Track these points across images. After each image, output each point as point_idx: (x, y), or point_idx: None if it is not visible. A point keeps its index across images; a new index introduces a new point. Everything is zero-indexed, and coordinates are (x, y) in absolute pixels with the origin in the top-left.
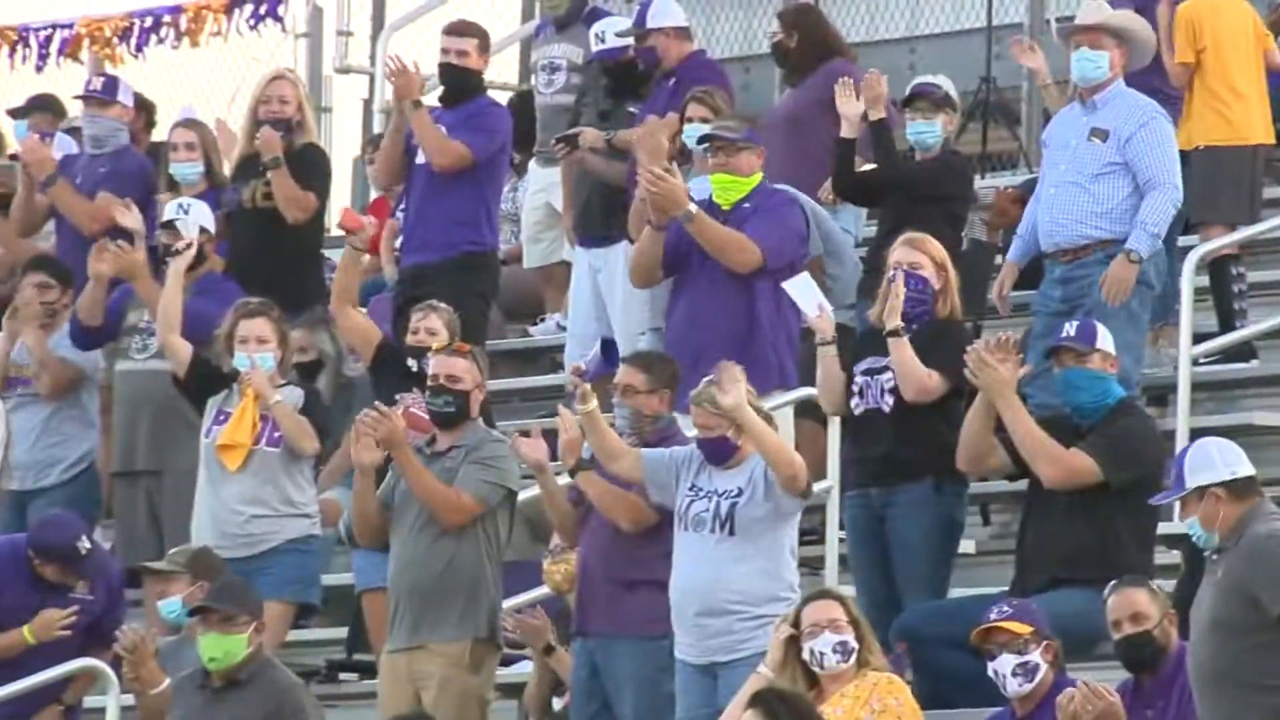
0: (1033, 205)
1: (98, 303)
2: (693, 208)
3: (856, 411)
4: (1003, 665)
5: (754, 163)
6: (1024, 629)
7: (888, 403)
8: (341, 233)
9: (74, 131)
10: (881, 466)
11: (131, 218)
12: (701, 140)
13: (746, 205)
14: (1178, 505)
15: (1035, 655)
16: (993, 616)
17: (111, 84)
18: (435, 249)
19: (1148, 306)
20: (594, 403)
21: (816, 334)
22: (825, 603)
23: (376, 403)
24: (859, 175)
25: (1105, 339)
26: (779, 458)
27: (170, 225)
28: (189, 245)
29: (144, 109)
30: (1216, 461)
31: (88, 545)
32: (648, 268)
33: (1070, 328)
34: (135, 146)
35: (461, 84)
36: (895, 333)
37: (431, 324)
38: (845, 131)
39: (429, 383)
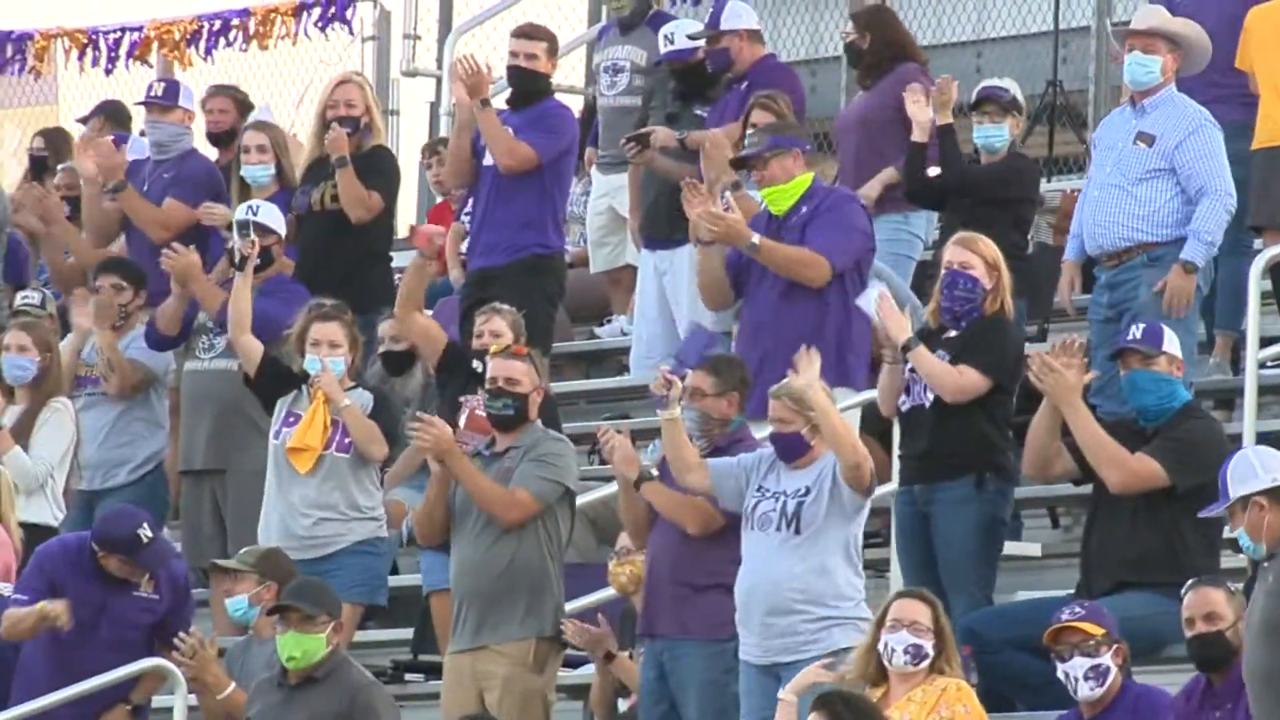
0: (1081, 203)
1: (178, 315)
2: (755, 239)
3: (904, 408)
4: (1075, 668)
5: (789, 165)
6: (1097, 630)
7: (929, 399)
8: (409, 236)
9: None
10: (923, 463)
11: (219, 215)
12: (734, 165)
13: (804, 209)
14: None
15: (1106, 658)
16: (1065, 617)
17: (173, 89)
18: (502, 252)
19: (1197, 310)
20: (679, 409)
21: (885, 350)
22: (913, 603)
23: (419, 413)
24: (927, 180)
25: (1171, 342)
26: (845, 444)
27: (242, 227)
28: (254, 246)
29: (242, 108)
30: (1258, 470)
31: (149, 534)
32: (715, 287)
33: (1136, 330)
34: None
35: (530, 87)
36: (908, 346)
37: (496, 326)
38: (916, 135)
39: (487, 385)
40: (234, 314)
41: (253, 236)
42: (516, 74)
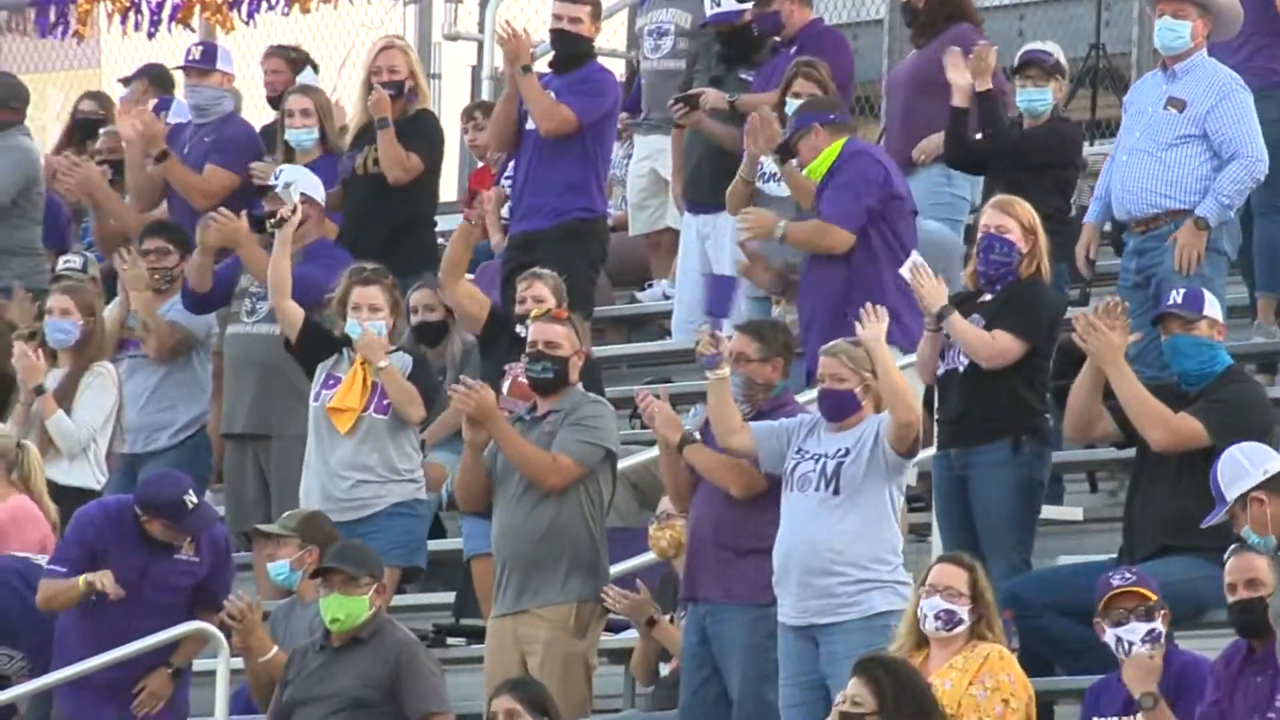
0: (1108, 167)
1: (205, 269)
2: (779, 228)
3: (939, 373)
4: (1132, 632)
5: (814, 142)
6: (1152, 595)
7: (963, 363)
8: (455, 200)
9: None
10: (959, 427)
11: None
12: (778, 152)
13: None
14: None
15: (1159, 623)
16: (1117, 582)
17: (210, 52)
18: (545, 216)
19: (1222, 273)
20: (728, 369)
21: (926, 318)
22: (950, 568)
23: (463, 376)
24: (970, 144)
25: (1212, 306)
26: (902, 400)
27: (268, 191)
28: (294, 211)
29: (295, 67)
30: (1246, 467)
31: (194, 500)
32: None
33: (1177, 294)
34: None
35: (572, 50)
36: (942, 314)
37: (538, 291)
38: (957, 100)
39: (527, 349)
40: (273, 279)
41: (295, 200)
42: (559, 37)
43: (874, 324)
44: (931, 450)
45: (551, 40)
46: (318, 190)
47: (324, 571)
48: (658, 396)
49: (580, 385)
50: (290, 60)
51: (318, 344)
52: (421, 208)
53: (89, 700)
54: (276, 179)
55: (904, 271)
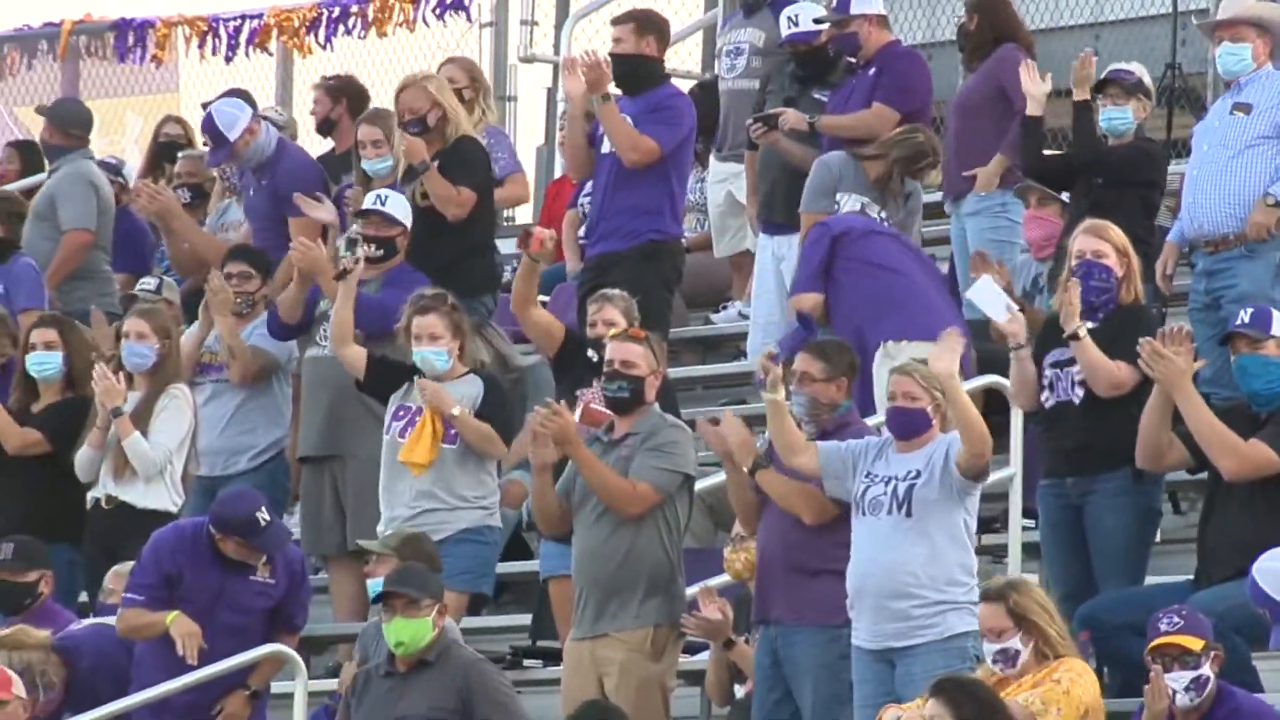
0: (1189, 186)
1: (299, 302)
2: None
3: (1047, 405)
4: (1176, 681)
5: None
6: (1197, 644)
7: (1078, 395)
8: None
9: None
10: (1076, 456)
11: (324, 210)
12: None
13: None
14: None
15: (1206, 668)
16: (1164, 628)
17: (217, 136)
18: (621, 238)
19: None
20: (783, 391)
21: (1009, 339)
22: (987, 607)
23: (548, 399)
24: (1052, 157)
25: None
26: (974, 432)
27: (366, 215)
28: (358, 262)
29: (350, 95)
30: None
31: (267, 517)
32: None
33: (1245, 314)
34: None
35: (630, 71)
36: (1075, 335)
37: (609, 315)
38: (1031, 110)
39: (604, 369)
40: (335, 327)
41: (358, 253)
42: (614, 61)
43: (944, 357)
44: (1007, 471)
45: (614, 64)
46: (406, 214)
47: (385, 595)
48: (715, 422)
49: (658, 406)
50: (329, 90)
51: (386, 378)
52: (478, 237)
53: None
54: (383, 202)
55: (982, 296)
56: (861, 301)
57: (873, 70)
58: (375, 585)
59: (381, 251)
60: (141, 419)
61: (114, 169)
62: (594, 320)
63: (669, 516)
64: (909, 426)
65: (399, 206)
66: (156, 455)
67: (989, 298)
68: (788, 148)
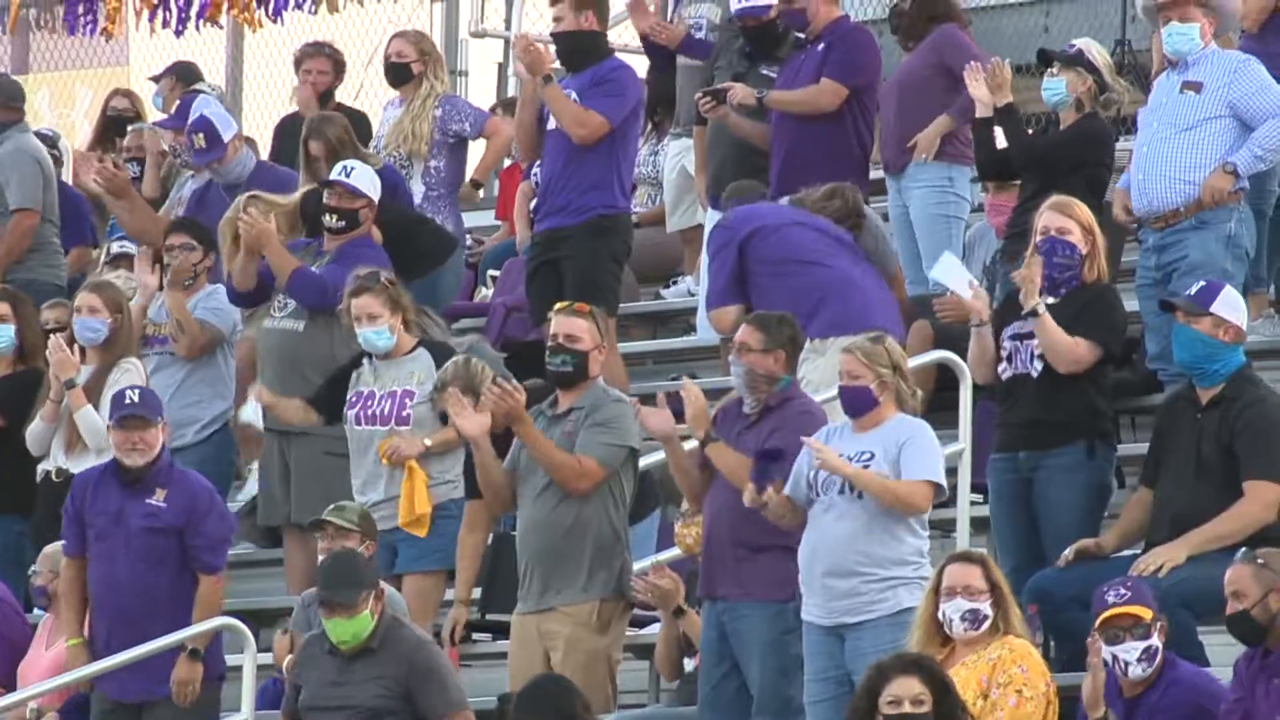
0: (1131, 161)
1: (249, 270)
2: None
3: (1004, 376)
4: (1128, 652)
5: None
6: (1147, 613)
7: (1036, 368)
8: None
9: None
10: (1029, 430)
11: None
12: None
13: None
14: None
15: (1155, 639)
16: (1112, 600)
17: (212, 136)
18: (570, 214)
19: (1242, 271)
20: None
21: (971, 315)
22: (964, 567)
23: (498, 378)
24: (999, 160)
25: (1226, 305)
26: (905, 506)
27: (331, 186)
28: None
29: (339, 67)
30: None
31: (135, 399)
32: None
33: (1194, 287)
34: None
35: (574, 47)
36: (1034, 312)
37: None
38: (980, 112)
39: (549, 342)
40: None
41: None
42: (557, 39)
43: (830, 455)
44: (955, 446)
45: (555, 41)
46: (373, 186)
47: (321, 600)
48: (668, 397)
49: (602, 380)
50: (335, 60)
51: (338, 393)
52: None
53: (120, 678)
54: (348, 174)
55: (947, 274)
56: (789, 302)
57: (821, 45)
58: None
59: (344, 223)
60: (93, 392)
61: (50, 141)
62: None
63: (614, 490)
64: (855, 404)
65: (364, 178)
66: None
67: (952, 273)
68: (736, 123)
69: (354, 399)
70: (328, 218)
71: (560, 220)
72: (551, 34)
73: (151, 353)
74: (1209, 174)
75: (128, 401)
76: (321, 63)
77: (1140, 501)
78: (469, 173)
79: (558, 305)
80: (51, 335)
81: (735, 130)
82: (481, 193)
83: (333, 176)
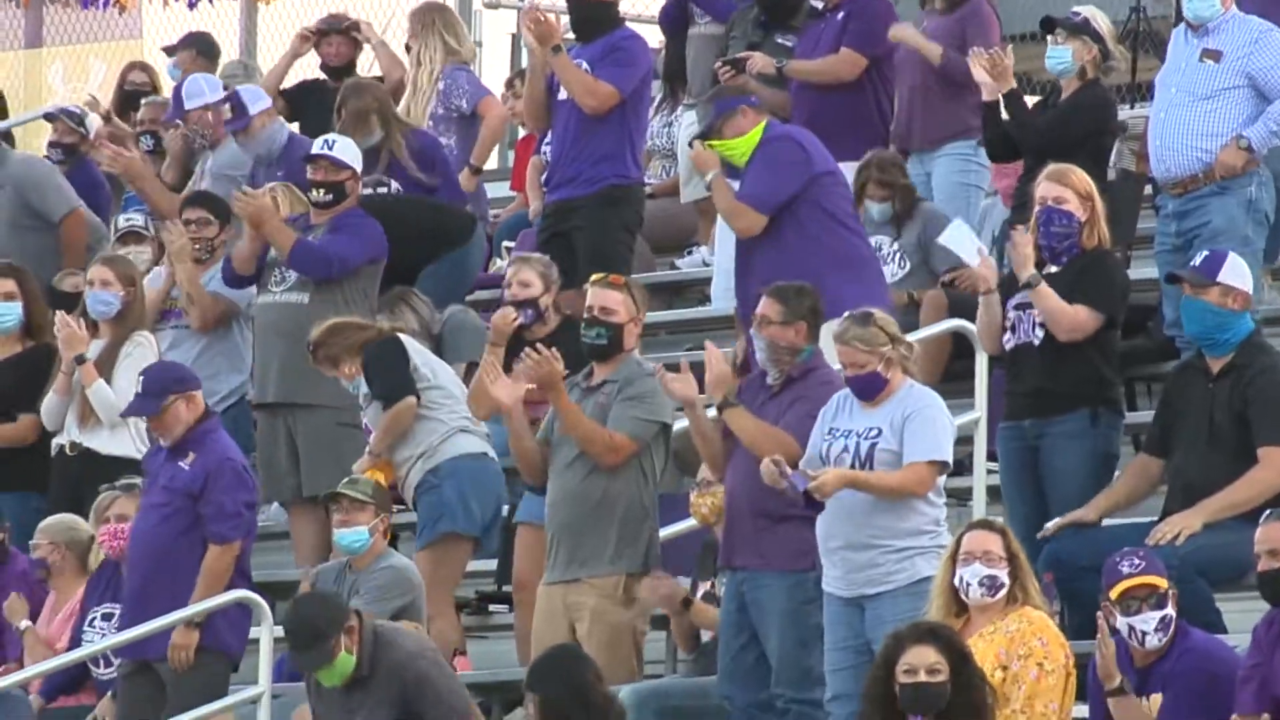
0: (1149, 129)
1: (253, 254)
2: (710, 176)
3: (1008, 346)
4: (1146, 622)
5: (741, 123)
6: (1163, 583)
7: (1038, 336)
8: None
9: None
10: (1034, 399)
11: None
12: (692, 143)
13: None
14: None
15: (1170, 607)
16: (1127, 570)
17: (238, 106)
18: (581, 184)
19: (1262, 235)
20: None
21: (979, 284)
22: (983, 534)
23: (539, 344)
24: (1005, 140)
25: (1232, 273)
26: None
27: (315, 160)
28: None
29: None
30: None
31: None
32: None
33: (1198, 258)
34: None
35: (589, 16)
36: (1029, 284)
37: (525, 276)
38: (986, 96)
39: (585, 315)
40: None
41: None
42: (573, 6)
43: (827, 481)
44: (972, 415)
45: (569, 9)
46: (356, 159)
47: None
48: (675, 369)
49: (637, 353)
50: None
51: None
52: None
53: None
54: (330, 147)
55: (955, 240)
56: (830, 264)
57: (841, 15)
58: (356, 535)
59: (330, 196)
60: (105, 366)
61: (76, 118)
62: (509, 281)
63: (645, 465)
64: (866, 390)
65: (347, 150)
66: (120, 402)
67: (962, 241)
68: (758, 92)
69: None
70: (314, 192)
71: (571, 191)
72: (567, 2)
73: (168, 327)
74: (1222, 146)
75: (136, 392)
76: (336, 39)
77: (1137, 468)
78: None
79: (594, 277)
80: (58, 312)
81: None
82: (477, 180)
83: (315, 150)
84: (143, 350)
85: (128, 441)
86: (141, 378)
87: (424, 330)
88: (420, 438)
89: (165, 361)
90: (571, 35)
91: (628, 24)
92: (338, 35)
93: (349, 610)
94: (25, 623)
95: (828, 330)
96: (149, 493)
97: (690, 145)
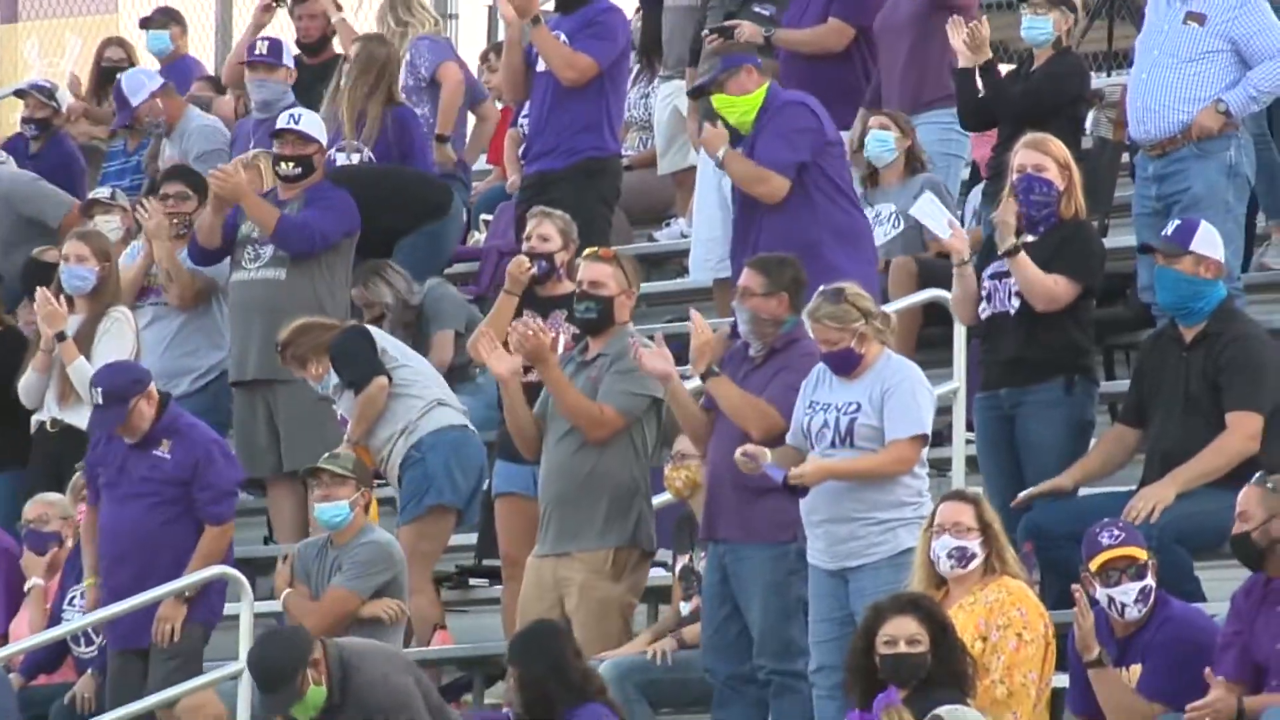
0: (1128, 91)
1: (217, 228)
2: (721, 152)
3: (984, 315)
4: (1126, 594)
5: (745, 82)
6: (1142, 554)
7: (1014, 306)
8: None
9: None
10: (1010, 368)
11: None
12: (692, 94)
13: (760, 122)
14: None
15: (1150, 578)
16: (1107, 542)
17: (276, 47)
18: (559, 156)
19: (1243, 199)
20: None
21: (952, 255)
22: (954, 505)
23: (526, 315)
24: (980, 106)
25: (1204, 242)
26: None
27: (281, 134)
28: None
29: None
30: None
31: (101, 400)
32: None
33: (1170, 227)
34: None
35: None
36: (1011, 252)
37: (545, 230)
38: (961, 63)
39: (576, 289)
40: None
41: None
42: None
43: (809, 471)
44: (950, 385)
45: None
46: (321, 132)
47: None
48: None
49: (631, 325)
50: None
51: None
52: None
53: (123, 626)
54: (296, 121)
55: (925, 213)
56: (831, 234)
57: None
58: (337, 509)
59: (299, 169)
60: (84, 342)
61: (47, 92)
62: (529, 234)
63: (636, 439)
64: (842, 366)
65: (313, 124)
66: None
67: (931, 212)
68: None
69: None
70: (282, 165)
71: (549, 163)
72: None
73: (147, 304)
74: (1200, 109)
75: (95, 406)
76: (313, 6)
77: (1113, 437)
78: None
79: (586, 251)
80: (39, 289)
81: None
82: (450, 147)
83: (281, 125)
84: (120, 325)
85: None
86: (99, 389)
87: (400, 302)
88: (399, 415)
89: (113, 365)
90: (550, 6)
91: None
92: (301, 7)
93: (312, 641)
94: (36, 580)
95: None
96: (118, 485)
97: (702, 127)
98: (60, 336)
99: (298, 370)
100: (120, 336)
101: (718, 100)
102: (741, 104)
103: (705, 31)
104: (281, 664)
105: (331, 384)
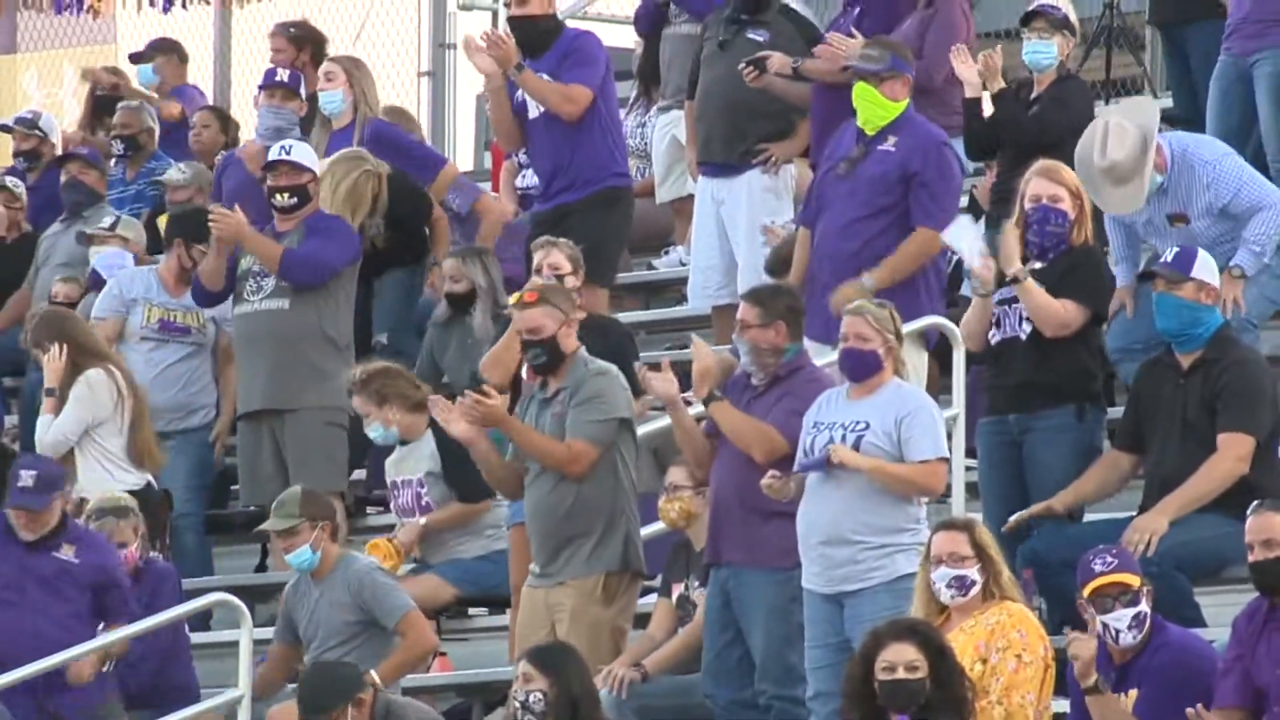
0: (1118, 232)
1: (219, 270)
2: (867, 281)
3: (993, 340)
4: (1119, 620)
5: (898, 90)
6: (1135, 580)
7: (1024, 330)
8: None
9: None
10: (1019, 393)
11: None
12: (856, 76)
13: (892, 138)
14: None
15: (1144, 604)
16: (1099, 568)
17: (296, 78)
18: (578, 189)
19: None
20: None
21: (976, 282)
22: (948, 535)
23: (468, 390)
24: (987, 130)
25: (1204, 268)
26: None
27: (274, 166)
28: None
29: (312, 42)
30: None
31: (29, 484)
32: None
33: (1169, 253)
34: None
35: (532, 32)
36: (1016, 279)
37: (554, 260)
38: (969, 93)
39: (521, 340)
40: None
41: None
42: (515, 27)
43: (846, 454)
44: (950, 411)
45: (512, 31)
46: (313, 160)
47: None
48: (656, 367)
49: (584, 351)
50: (292, 37)
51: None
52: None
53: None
54: (288, 152)
55: (958, 238)
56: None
57: (857, 10)
58: (300, 556)
59: (295, 200)
60: (62, 401)
61: (28, 123)
62: (539, 265)
63: (615, 461)
64: (860, 368)
65: (305, 154)
66: (48, 437)
67: (965, 238)
68: (784, 89)
69: (393, 489)
70: (278, 197)
71: (568, 197)
72: (510, 19)
73: (172, 340)
74: (1221, 287)
75: (20, 486)
76: (279, 41)
77: (1108, 463)
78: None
79: (511, 300)
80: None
81: (781, 95)
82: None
83: (273, 157)
84: (80, 390)
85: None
86: (34, 473)
87: (492, 289)
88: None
89: (46, 460)
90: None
91: (602, 25)
92: (279, 38)
93: (363, 682)
94: None
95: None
96: (9, 589)
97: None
98: (49, 393)
99: (371, 404)
100: (77, 402)
101: (864, 89)
102: (885, 107)
103: (741, 65)
104: (329, 692)
105: (394, 436)
